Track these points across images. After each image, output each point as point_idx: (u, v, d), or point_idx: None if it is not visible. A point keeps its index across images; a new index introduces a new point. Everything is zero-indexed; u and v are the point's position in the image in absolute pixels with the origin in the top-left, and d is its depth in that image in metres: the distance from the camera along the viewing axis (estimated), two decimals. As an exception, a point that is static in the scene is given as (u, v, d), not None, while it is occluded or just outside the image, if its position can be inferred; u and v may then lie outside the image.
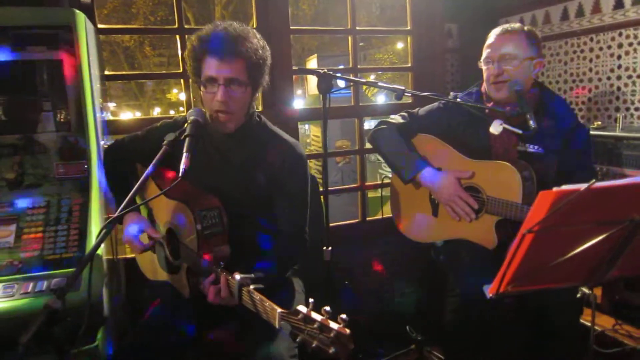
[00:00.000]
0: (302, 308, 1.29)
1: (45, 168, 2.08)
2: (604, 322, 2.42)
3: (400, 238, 2.64)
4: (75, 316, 1.39)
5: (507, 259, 1.37)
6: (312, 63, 9.05)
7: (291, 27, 3.16)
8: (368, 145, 2.80)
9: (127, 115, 20.00)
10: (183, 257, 1.88)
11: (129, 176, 2.17)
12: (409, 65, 3.65)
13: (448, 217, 2.32)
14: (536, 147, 2.21)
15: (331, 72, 2.18)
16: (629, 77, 2.86)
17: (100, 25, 2.72)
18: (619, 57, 2.90)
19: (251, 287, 1.56)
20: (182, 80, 2.97)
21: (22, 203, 2.01)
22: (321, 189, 2.53)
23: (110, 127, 2.65)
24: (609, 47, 2.95)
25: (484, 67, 2.27)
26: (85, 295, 1.58)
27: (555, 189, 1.20)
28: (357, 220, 3.54)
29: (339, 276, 2.73)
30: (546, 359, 2.16)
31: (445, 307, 2.91)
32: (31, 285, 1.77)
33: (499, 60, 2.18)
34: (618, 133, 2.63)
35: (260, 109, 3.20)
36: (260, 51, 1.86)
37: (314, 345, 1.23)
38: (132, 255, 2.38)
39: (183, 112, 1.99)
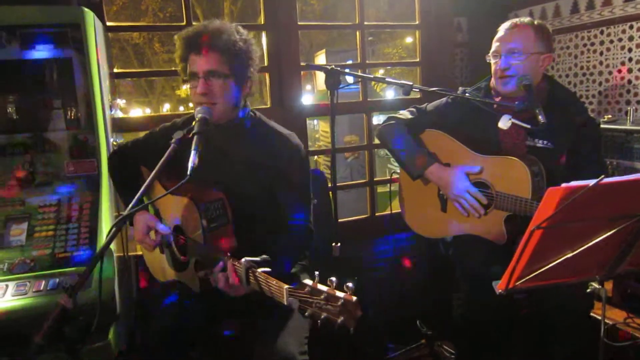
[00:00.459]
0: (308, 281, 1.33)
1: (55, 166, 2.10)
2: (615, 316, 2.40)
3: (409, 233, 2.64)
4: (87, 314, 1.41)
5: (516, 255, 1.37)
6: (321, 58, 9.01)
7: (299, 23, 3.16)
8: (377, 141, 2.79)
9: (137, 112, 20.12)
10: (191, 252, 1.89)
11: (134, 178, 2.19)
12: (418, 60, 3.63)
13: (457, 213, 2.32)
14: (545, 142, 2.20)
15: (339, 68, 2.17)
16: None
17: (109, 23, 2.73)
18: (630, 50, 2.87)
19: (258, 270, 1.58)
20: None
21: (33, 201, 2.03)
22: (330, 184, 2.52)
23: (120, 125, 2.66)
24: (620, 39, 2.92)
25: (492, 61, 2.25)
26: (96, 293, 1.59)
27: (563, 185, 1.20)
28: (366, 216, 3.54)
29: (348, 272, 2.73)
30: (557, 353, 2.15)
31: (454, 301, 2.90)
32: (43, 283, 1.79)
33: (506, 55, 2.17)
34: (629, 127, 2.61)
35: (268, 104, 3.20)
36: (240, 43, 1.86)
37: (322, 317, 1.24)
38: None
39: (192, 108, 2.01)
